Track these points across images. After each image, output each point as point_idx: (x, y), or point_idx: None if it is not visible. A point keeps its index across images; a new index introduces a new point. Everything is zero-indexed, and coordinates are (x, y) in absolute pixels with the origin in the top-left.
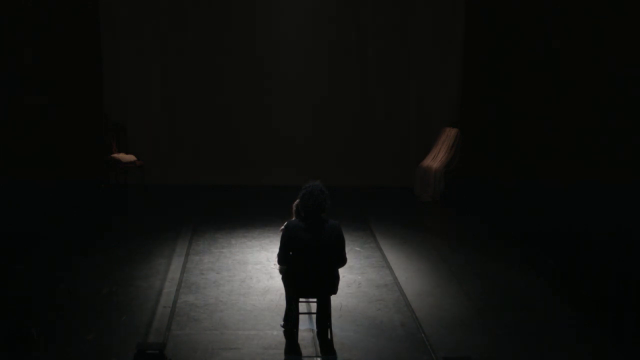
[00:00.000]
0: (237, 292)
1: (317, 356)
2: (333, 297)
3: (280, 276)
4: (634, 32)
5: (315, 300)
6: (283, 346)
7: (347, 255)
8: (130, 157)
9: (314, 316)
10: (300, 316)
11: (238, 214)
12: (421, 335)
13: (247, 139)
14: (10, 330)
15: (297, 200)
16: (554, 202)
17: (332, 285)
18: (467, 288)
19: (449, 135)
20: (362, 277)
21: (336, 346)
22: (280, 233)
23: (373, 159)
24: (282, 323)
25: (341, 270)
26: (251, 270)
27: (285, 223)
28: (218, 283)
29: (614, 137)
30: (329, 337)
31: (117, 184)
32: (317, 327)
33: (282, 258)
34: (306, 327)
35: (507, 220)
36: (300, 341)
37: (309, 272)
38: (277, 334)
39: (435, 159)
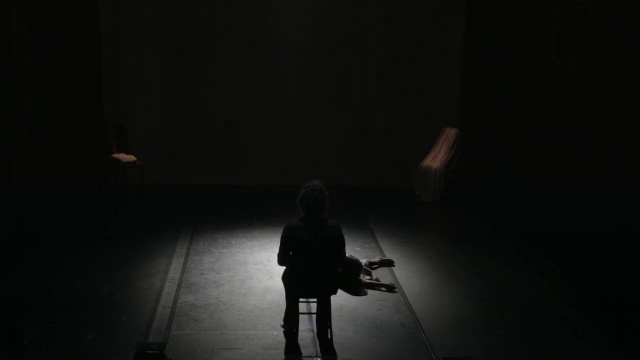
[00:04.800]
0: (237, 292)
1: (317, 356)
2: (333, 297)
3: (280, 276)
4: (635, 31)
5: (315, 300)
6: (283, 346)
7: (348, 256)
8: (130, 157)
9: (314, 316)
10: (300, 316)
11: (238, 214)
12: (421, 335)
13: (247, 139)
14: (4, 333)
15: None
16: (554, 202)
17: (332, 285)
18: (467, 288)
19: (449, 135)
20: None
21: (336, 346)
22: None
23: (373, 159)
24: (282, 323)
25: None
26: (251, 270)
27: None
28: (218, 283)
29: (614, 137)
30: (329, 337)
31: (117, 184)
32: (317, 327)
33: (282, 258)
34: (306, 327)
35: (507, 220)
36: (300, 341)
37: (309, 272)
38: (277, 334)
39: (435, 159)
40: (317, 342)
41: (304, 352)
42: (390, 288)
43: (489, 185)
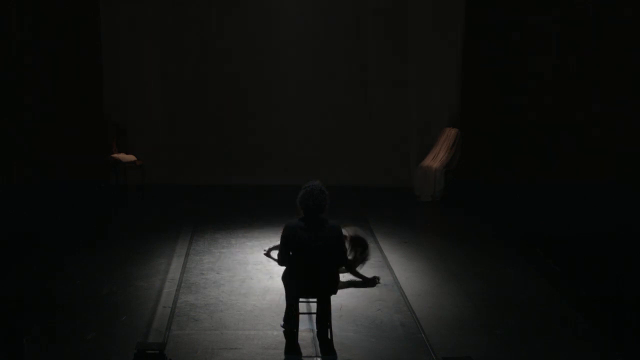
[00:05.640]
0: (237, 292)
1: (317, 356)
2: (333, 297)
3: (280, 276)
4: (635, 31)
5: (315, 300)
6: (283, 346)
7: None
8: (130, 157)
9: (314, 316)
10: (300, 316)
11: (238, 214)
12: (421, 335)
13: (247, 139)
14: (4, 333)
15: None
16: (554, 202)
17: (332, 285)
18: (467, 288)
19: (449, 135)
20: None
21: (336, 346)
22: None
23: (373, 159)
24: (282, 323)
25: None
26: (251, 270)
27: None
28: (218, 283)
29: (614, 137)
30: (329, 337)
31: (117, 184)
32: (317, 327)
33: (282, 258)
34: (306, 327)
35: (507, 220)
36: (300, 341)
37: (309, 272)
38: (277, 334)
39: (435, 159)
40: (317, 342)
41: (304, 352)
42: (374, 280)
43: (489, 185)
